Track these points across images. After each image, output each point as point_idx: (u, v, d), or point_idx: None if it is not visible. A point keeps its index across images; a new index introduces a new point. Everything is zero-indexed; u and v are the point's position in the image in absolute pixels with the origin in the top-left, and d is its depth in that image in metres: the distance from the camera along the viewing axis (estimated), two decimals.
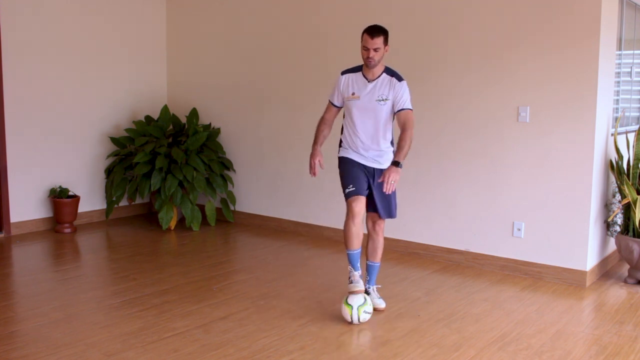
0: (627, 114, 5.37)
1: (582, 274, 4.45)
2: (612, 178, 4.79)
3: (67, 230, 5.90)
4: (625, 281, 4.61)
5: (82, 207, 6.26)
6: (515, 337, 3.52)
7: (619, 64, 5.03)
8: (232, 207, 6.47)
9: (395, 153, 3.69)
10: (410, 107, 3.74)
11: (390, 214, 3.91)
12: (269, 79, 6.13)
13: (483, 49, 4.75)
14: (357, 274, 3.77)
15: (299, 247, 5.46)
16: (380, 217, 3.90)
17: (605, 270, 4.86)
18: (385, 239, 5.33)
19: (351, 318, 3.63)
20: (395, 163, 3.62)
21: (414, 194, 5.19)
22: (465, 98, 4.87)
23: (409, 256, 5.19)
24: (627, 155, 4.83)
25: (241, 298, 4.10)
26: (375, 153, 3.82)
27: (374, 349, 3.36)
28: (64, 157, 6.14)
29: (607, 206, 4.76)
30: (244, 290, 4.28)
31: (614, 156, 4.75)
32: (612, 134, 4.77)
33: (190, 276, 4.57)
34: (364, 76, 3.79)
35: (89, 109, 6.32)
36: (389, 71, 3.79)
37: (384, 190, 3.61)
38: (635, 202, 4.48)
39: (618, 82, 5.06)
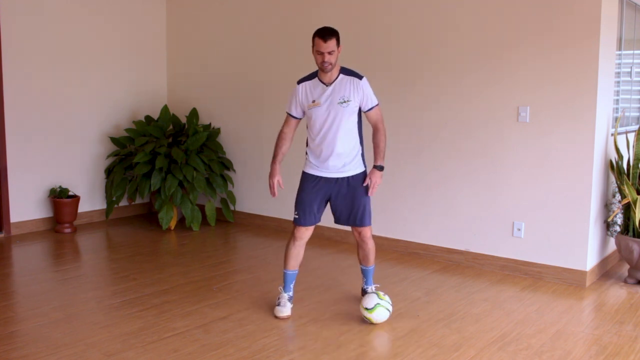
0: (627, 114, 5.37)
1: (582, 274, 4.45)
2: (612, 178, 4.79)
3: (67, 230, 5.90)
4: (625, 281, 4.61)
5: (82, 207, 6.26)
6: (515, 337, 3.52)
7: (619, 64, 5.03)
8: (232, 207, 6.47)
9: (375, 156, 3.69)
10: (376, 102, 3.71)
11: (363, 221, 3.76)
12: (269, 79, 6.13)
13: (483, 49, 4.75)
14: (285, 296, 3.81)
15: None
16: (358, 225, 3.79)
17: (605, 270, 4.86)
18: (385, 239, 5.36)
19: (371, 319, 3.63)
20: (379, 167, 3.67)
21: (414, 194, 5.19)
22: (465, 98, 4.87)
23: (409, 256, 5.19)
24: (627, 155, 4.83)
25: (241, 298, 4.10)
26: (342, 161, 3.69)
27: (374, 349, 3.36)
28: (64, 157, 6.14)
29: (607, 206, 4.76)
30: (244, 290, 4.28)
31: (614, 156, 4.75)
32: (612, 134, 4.77)
33: (190, 276, 4.57)
34: (321, 81, 3.67)
35: (89, 109, 6.33)
36: (346, 71, 3.68)
37: (369, 194, 3.68)
38: (635, 202, 4.48)
39: (618, 82, 5.06)
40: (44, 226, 6.00)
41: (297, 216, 3.77)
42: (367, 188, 3.73)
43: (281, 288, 3.86)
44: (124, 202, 6.61)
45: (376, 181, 3.67)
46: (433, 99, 5.04)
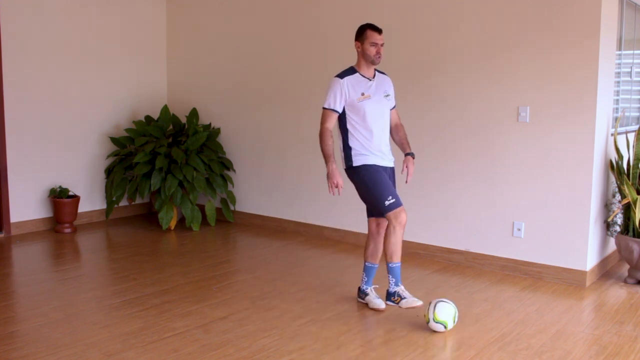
0: (627, 114, 5.37)
1: (582, 274, 4.45)
2: (612, 178, 4.79)
3: (67, 230, 5.90)
4: (625, 281, 4.61)
5: (82, 207, 6.26)
6: (515, 337, 3.52)
7: (619, 64, 5.03)
8: (232, 207, 6.47)
9: (407, 146, 3.97)
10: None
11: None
12: (269, 78, 6.13)
13: (483, 49, 4.75)
14: (402, 287, 3.81)
15: (299, 247, 5.46)
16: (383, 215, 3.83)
17: (605, 270, 4.86)
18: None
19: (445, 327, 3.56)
20: (412, 154, 3.93)
21: (414, 194, 5.19)
22: (465, 98, 4.87)
23: (409, 256, 5.19)
24: (627, 155, 4.83)
25: (241, 298, 4.10)
26: (388, 149, 3.91)
27: (374, 349, 3.36)
28: (64, 157, 6.14)
29: (607, 206, 4.76)
30: (244, 290, 4.28)
31: (614, 156, 4.75)
32: (612, 134, 4.77)
33: (190, 276, 4.57)
34: (363, 76, 3.82)
35: (89, 109, 6.33)
36: (377, 70, 3.94)
37: (406, 182, 3.94)
38: (635, 202, 4.48)
39: (618, 82, 5.06)
40: (44, 226, 6.00)
41: (392, 200, 3.70)
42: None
43: (398, 282, 3.81)
44: (124, 202, 6.61)
45: (411, 168, 3.90)
46: (433, 99, 5.04)
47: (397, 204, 3.70)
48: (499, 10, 4.65)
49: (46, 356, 3.16)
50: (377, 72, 3.90)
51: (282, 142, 6.06)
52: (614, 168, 4.67)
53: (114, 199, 6.08)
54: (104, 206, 6.51)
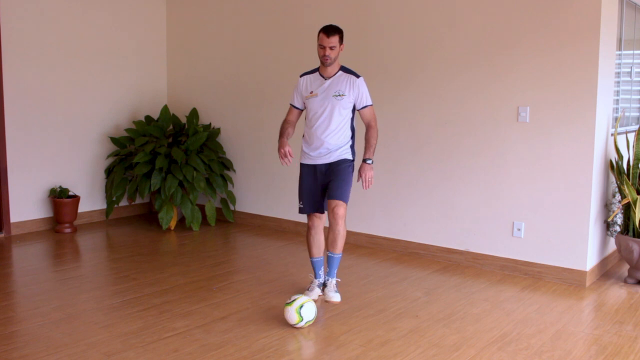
0: (627, 114, 5.37)
1: (582, 274, 4.45)
2: (612, 178, 4.79)
3: (67, 230, 5.90)
4: (625, 281, 4.61)
5: (82, 207, 6.26)
6: (515, 337, 3.53)
7: (619, 64, 5.03)
8: (232, 207, 6.47)
9: (365, 150, 3.94)
10: (371, 102, 3.99)
11: (337, 194, 3.87)
12: (269, 78, 6.13)
13: (483, 49, 4.75)
14: (316, 282, 4.08)
15: (299, 247, 5.46)
16: (332, 197, 3.88)
17: (605, 270, 4.86)
18: (385, 239, 5.36)
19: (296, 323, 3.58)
20: (368, 160, 3.92)
21: (414, 194, 5.19)
22: (465, 98, 4.87)
23: (409, 256, 5.19)
24: (627, 155, 4.83)
25: (241, 298, 4.10)
26: (332, 150, 3.93)
27: (374, 349, 3.36)
28: (64, 157, 6.14)
29: (607, 206, 4.76)
30: (244, 290, 4.28)
31: (614, 156, 4.75)
32: (612, 134, 4.77)
33: (190, 276, 4.57)
34: (321, 75, 3.98)
35: (89, 109, 6.33)
36: (345, 69, 3.97)
37: (364, 188, 3.89)
38: (635, 202, 4.48)
39: (618, 82, 5.06)
40: (44, 226, 6.00)
41: (301, 206, 4.06)
42: (350, 170, 3.96)
43: (311, 275, 4.20)
44: (124, 202, 6.61)
45: (366, 174, 3.88)
46: (433, 99, 5.04)
47: (303, 210, 4.04)
48: (498, 10, 4.65)
49: (46, 356, 3.16)
50: (342, 72, 3.94)
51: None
52: (614, 168, 4.67)
53: (114, 199, 6.08)
54: (104, 206, 6.51)
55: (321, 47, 3.83)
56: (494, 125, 4.74)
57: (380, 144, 5.33)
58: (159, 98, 6.97)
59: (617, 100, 5.10)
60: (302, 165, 4.08)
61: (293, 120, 4.12)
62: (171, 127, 6.60)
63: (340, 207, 3.89)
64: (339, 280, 4.16)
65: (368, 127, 3.98)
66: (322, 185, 4.00)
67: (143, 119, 6.60)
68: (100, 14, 6.33)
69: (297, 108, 4.12)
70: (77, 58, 6.16)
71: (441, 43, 4.97)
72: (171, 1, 6.90)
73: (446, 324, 3.70)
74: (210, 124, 6.55)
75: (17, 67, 5.69)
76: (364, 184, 3.88)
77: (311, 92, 3.97)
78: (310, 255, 4.10)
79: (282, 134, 4.03)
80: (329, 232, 3.98)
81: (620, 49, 4.91)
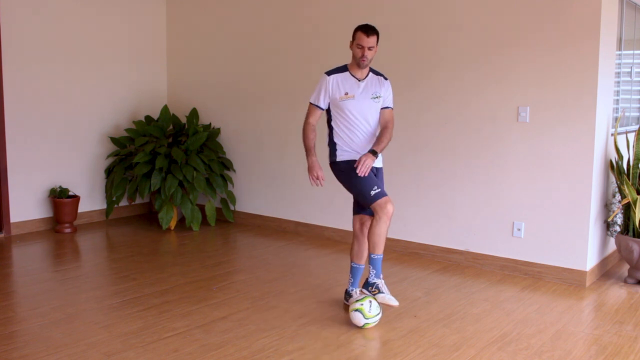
0: (627, 114, 5.37)
1: (582, 274, 4.45)
2: (612, 178, 4.79)
3: (67, 230, 5.90)
4: (625, 281, 4.61)
5: (82, 207, 6.26)
6: (515, 337, 3.53)
7: (619, 64, 5.03)
8: (232, 207, 6.47)
9: (375, 143, 3.77)
10: (392, 106, 3.92)
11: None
12: (269, 78, 6.13)
13: (483, 49, 4.75)
14: (382, 281, 3.76)
15: (299, 247, 5.46)
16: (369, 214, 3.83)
17: (605, 270, 4.86)
18: (385, 238, 5.35)
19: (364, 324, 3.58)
20: (373, 152, 3.70)
21: (414, 193, 5.19)
22: (465, 98, 4.87)
23: (409, 256, 5.19)
24: (627, 155, 4.83)
25: (241, 298, 4.10)
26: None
27: (374, 349, 3.36)
28: (64, 157, 6.14)
29: (607, 206, 4.76)
30: (244, 290, 4.28)
31: (614, 156, 4.75)
32: (612, 134, 4.77)
33: (190, 276, 4.57)
34: (353, 76, 3.81)
35: (89, 109, 6.33)
36: (374, 71, 3.90)
37: (358, 172, 3.65)
38: (635, 202, 4.48)
39: (618, 82, 5.06)
40: (44, 226, 6.00)
41: (377, 189, 3.67)
42: (378, 176, 3.86)
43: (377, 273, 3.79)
44: (124, 202, 6.61)
45: (366, 161, 3.64)
46: (433, 98, 5.04)
47: (382, 194, 3.68)
48: (499, 10, 4.65)
49: (46, 356, 3.15)
50: (372, 74, 3.85)
51: (282, 142, 6.06)
52: (614, 168, 4.67)
53: (114, 199, 6.08)
54: (104, 206, 6.51)
55: (359, 47, 3.68)
56: (494, 125, 4.74)
57: None
58: (159, 98, 6.97)
59: (617, 100, 5.10)
60: (350, 162, 3.76)
61: (316, 122, 3.88)
62: (171, 127, 6.60)
63: (370, 220, 3.83)
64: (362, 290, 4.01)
65: (384, 128, 3.84)
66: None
67: (143, 119, 6.60)
68: (100, 14, 6.33)
69: (321, 109, 3.86)
70: (77, 58, 6.16)
71: (441, 43, 4.97)
72: (171, 1, 6.91)
73: (446, 324, 3.70)
74: (210, 124, 6.55)
75: (17, 67, 5.69)
76: (360, 168, 3.63)
77: (346, 94, 3.77)
78: (380, 251, 3.73)
79: (309, 148, 3.81)
80: (357, 245, 3.91)
81: (620, 49, 4.91)
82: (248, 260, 5.10)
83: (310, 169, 3.80)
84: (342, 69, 3.86)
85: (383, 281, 3.76)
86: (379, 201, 3.65)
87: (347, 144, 3.83)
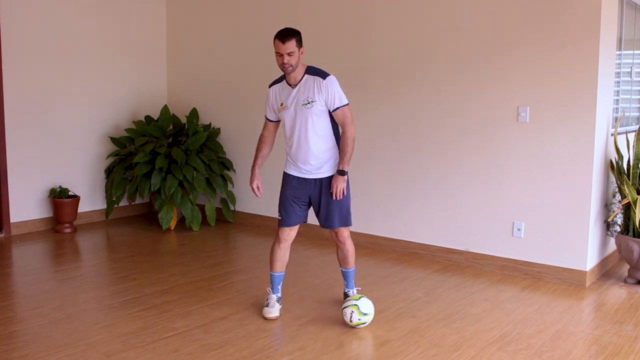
0: (627, 114, 5.37)
1: (582, 274, 4.45)
2: (612, 178, 4.79)
3: (67, 230, 5.90)
4: (625, 281, 4.61)
5: (82, 207, 6.26)
6: (515, 337, 3.53)
7: (619, 64, 5.03)
8: (232, 207, 6.47)
9: (339, 160, 3.59)
10: (344, 102, 3.58)
11: (344, 221, 3.70)
12: (270, 78, 6.10)
13: (483, 49, 4.75)
14: (274, 297, 3.80)
15: (299, 247, 5.46)
16: (329, 227, 3.72)
17: (605, 270, 4.86)
18: (385, 238, 5.36)
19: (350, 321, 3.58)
20: (340, 172, 3.58)
21: (414, 193, 5.19)
22: (465, 98, 4.87)
23: (409, 256, 5.19)
24: (627, 155, 4.83)
25: (241, 298, 4.10)
26: (316, 163, 3.63)
27: (374, 349, 3.36)
28: (64, 157, 6.14)
29: (607, 206, 4.76)
30: (244, 290, 4.28)
31: (614, 156, 4.75)
32: (612, 134, 4.77)
33: (190, 276, 4.57)
34: (288, 83, 3.63)
35: (89, 109, 6.33)
36: (312, 71, 3.60)
37: (334, 198, 3.59)
38: (635, 202, 4.48)
39: (618, 82, 5.06)
40: (44, 226, 6.00)
41: (280, 217, 3.73)
42: (346, 185, 3.67)
43: (269, 289, 3.85)
44: (124, 202, 6.61)
45: (337, 186, 3.57)
46: (433, 98, 5.04)
47: (281, 223, 3.71)
48: (499, 10, 4.65)
49: (46, 356, 3.16)
50: (308, 75, 3.57)
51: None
52: (614, 168, 4.67)
53: (114, 199, 6.08)
54: (104, 206, 6.51)
55: (278, 54, 3.48)
56: (494, 125, 4.74)
57: (380, 144, 5.34)
58: (159, 98, 6.97)
59: (617, 100, 5.10)
60: (285, 174, 3.75)
61: (270, 135, 3.81)
62: (171, 127, 6.60)
63: (343, 231, 3.74)
64: (359, 288, 4.03)
65: (342, 134, 3.58)
66: (306, 198, 3.70)
67: (143, 119, 6.60)
68: (101, 14, 6.33)
69: (272, 121, 3.79)
70: (77, 58, 6.16)
71: (441, 43, 4.96)
72: (171, 1, 6.90)
73: (446, 324, 3.70)
74: (210, 124, 6.55)
75: (17, 67, 5.69)
76: (334, 195, 3.57)
77: (282, 105, 3.62)
78: (272, 269, 3.78)
79: (255, 159, 3.80)
80: (338, 251, 3.88)
81: (620, 49, 4.91)
82: (248, 260, 5.10)
83: (250, 181, 3.80)
84: (281, 77, 3.69)
85: (275, 295, 3.81)
86: (278, 226, 3.75)
87: (290, 156, 3.71)
